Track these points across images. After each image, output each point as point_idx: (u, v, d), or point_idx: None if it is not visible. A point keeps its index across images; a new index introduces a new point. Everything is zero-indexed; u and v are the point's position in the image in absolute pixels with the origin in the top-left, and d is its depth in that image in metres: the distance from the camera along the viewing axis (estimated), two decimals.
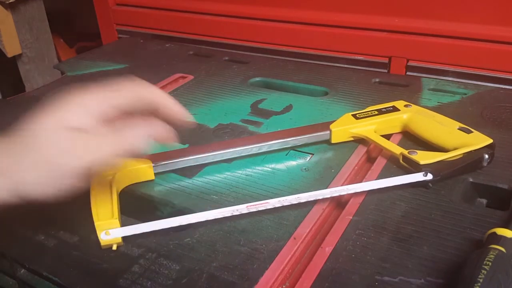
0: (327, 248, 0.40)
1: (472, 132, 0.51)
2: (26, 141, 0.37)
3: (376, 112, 0.56)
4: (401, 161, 0.49)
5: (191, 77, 0.77)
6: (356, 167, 0.51)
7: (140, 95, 0.40)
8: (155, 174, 0.50)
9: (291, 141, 0.54)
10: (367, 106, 0.58)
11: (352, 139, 0.55)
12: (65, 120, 0.38)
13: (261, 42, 0.88)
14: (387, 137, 0.54)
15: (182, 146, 0.57)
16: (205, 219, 0.42)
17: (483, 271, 0.32)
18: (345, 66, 0.81)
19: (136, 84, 0.40)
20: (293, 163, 0.53)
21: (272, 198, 0.44)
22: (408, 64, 0.76)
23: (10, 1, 1.06)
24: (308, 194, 0.44)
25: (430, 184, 0.46)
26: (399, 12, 0.75)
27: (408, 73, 0.76)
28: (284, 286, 0.37)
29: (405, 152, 0.49)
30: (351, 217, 0.43)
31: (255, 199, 0.45)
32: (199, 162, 0.51)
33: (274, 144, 0.53)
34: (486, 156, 0.48)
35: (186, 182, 0.50)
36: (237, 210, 0.43)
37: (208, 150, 0.51)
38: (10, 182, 0.35)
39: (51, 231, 0.44)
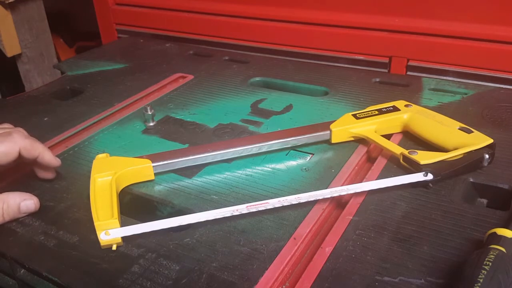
0: (327, 248, 0.40)
1: (472, 132, 0.50)
2: None
3: (377, 112, 0.56)
4: (401, 161, 0.49)
5: (191, 77, 0.77)
6: (356, 167, 0.51)
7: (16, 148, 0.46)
8: (155, 174, 0.50)
9: (291, 141, 0.54)
10: (367, 106, 0.58)
11: (352, 139, 0.55)
12: None
13: (261, 42, 0.88)
14: (388, 137, 0.54)
15: (182, 146, 0.57)
16: (205, 219, 0.42)
17: (483, 271, 0.32)
18: (345, 66, 0.81)
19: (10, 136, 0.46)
20: (293, 163, 0.53)
21: (272, 198, 0.44)
22: (408, 64, 0.76)
23: (9, 1, 1.06)
24: (308, 194, 0.44)
25: (431, 184, 0.46)
26: (399, 12, 0.75)
27: (408, 73, 0.76)
28: (284, 286, 0.37)
29: (406, 152, 0.49)
30: (351, 217, 0.43)
31: (255, 199, 0.45)
32: (199, 162, 0.51)
33: (274, 144, 0.53)
34: (487, 156, 0.48)
35: (186, 182, 0.50)
36: (237, 210, 0.43)
37: (208, 150, 0.51)
38: None
39: (51, 231, 0.44)
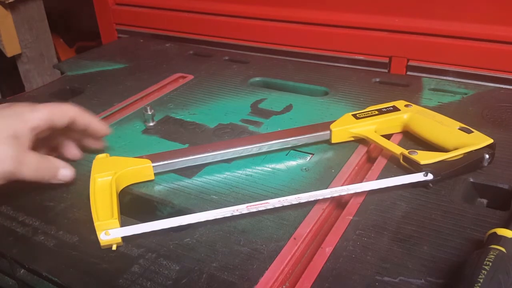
0: (327, 248, 0.40)
1: (472, 132, 0.50)
2: None
3: (377, 112, 0.56)
4: (401, 161, 0.49)
5: (191, 77, 0.77)
6: (356, 167, 0.51)
7: (67, 113, 0.48)
8: (155, 174, 0.50)
9: (291, 141, 0.54)
10: (367, 106, 0.58)
11: (352, 139, 0.55)
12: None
13: (261, 42, 0.88)
14: (388, 137, 0.54)
15: (182, 146, 0.57)
16: (205, 219, 0.42)
17: (483, 271, 0.32)
18: (345, 66, 0.81)
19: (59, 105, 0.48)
20: (293, 163, 0.53)
21: (272, 198, 0.44)
22: (408, 63, 0.76)
23: (9, 1, 1.06)
24: (308, 194, 0.44)
25: (431, 184, 0.46)
26: (399, 12, 0.75)
27: (408, 72, 0.76)
28: (284, 286, 0.37)
29: (406, 152, 0.49)
30: (351, 217, 0.43)
31: (255, 199, 0.45)
32: (199, 162, 0.51)
33: (274, 144, 0.53)
34: (487, 156, 0.48)
35: (186, 182, 0.50)
36: (237, 210, 0.43)
37: (208, 150, 0.51)
38: None
39: (51, 231, 0.44)
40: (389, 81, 0.72)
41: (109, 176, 0.47)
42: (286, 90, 0.72)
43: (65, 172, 0.48)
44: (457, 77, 0.73)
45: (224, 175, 0.51)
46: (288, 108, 0.65)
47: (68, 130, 0.50)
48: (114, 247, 0.41)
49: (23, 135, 0.44)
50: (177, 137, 0.59)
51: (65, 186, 0.50)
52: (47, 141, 0.50)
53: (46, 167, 0.46)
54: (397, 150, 0.50)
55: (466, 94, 0.65)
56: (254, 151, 0.53)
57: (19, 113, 0.45)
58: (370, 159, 0.53)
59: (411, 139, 0.55)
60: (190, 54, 0.89)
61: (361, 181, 0.48)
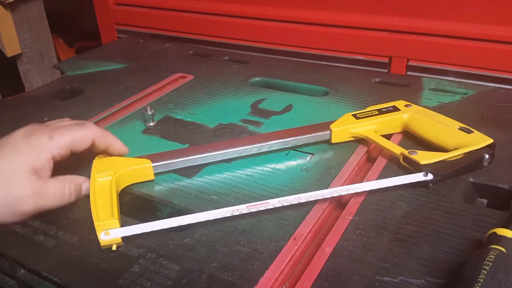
0: (327, 248, 0.40)
1: (472, 132, 0.50)
2: None
3: (377, 112, 0.56)
4: (401, 161, 0.49)
5: (191, 77, 0.77)
6: (356, 167, 0.51)
7: (88, 135, 0.47)
8: (155, 174, 0.50)
9: (291, 141, 0.54)
10: (367, 106, 0.58)
11: (352, 139, 0.55)
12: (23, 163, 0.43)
13: (261, 42, 0.88)
14: (388, 137, 0.54)
15: (182, 146, 0.57)
16: (205, 219, 0.42)
17: (483, 271, 0.32)
18: (345, 66, 0.81)
19: (81, 125, 0.48)
20: (293, 163, 0.53)
21: (272, 198, 0.44)
22: (408, 64, 0.76)
23: (9, 1, 1.06)
24: (308, 194, 0.44)
25: (431, 184, 0.46)
26: (399, 12, 0.75)
27: (408, 72, 0.76)
28: (284, 287, 0.37)
29: (406, 152, 0.49)
30: (351, 217, 0.43)
31: (255, 199, 0.45)
32: (199, 162, 0.51)
33: (274, 144, 0.53)
34: (487, 156, 0.48)
35: (186, 182, 0.50)
36: (237, 210, 0.43)
37: (208, 150, 0.51)
38: None
39: (51, 231, 0.44)
40: (389, 81, 0.72)
41: (109, 176, 0.47)
42: (286, 90, 0.72)
43: (86, 186, 0.47)
44: (457, 77, 0.73)
45: (224, 175, 0.51)
46: (288, 108, 0.65)
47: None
48: (114, 247, 0.41)
49: (43, 167, 0.43)
50: (177, 137, 0.59)
51: None
52: (68, 158, 0.50)
53: (70, 190, 0.45)
54: (397, 150, 0.50)
55: (466, 94, 0.65)
56: (254, 151, 0.53)
57: (37, 144, 0.44)
58: (370, 159, 0.53)
59: (411, 139, 0.55)
60: (190, 54, 0.89)
61: (361, 181, 0.48)
